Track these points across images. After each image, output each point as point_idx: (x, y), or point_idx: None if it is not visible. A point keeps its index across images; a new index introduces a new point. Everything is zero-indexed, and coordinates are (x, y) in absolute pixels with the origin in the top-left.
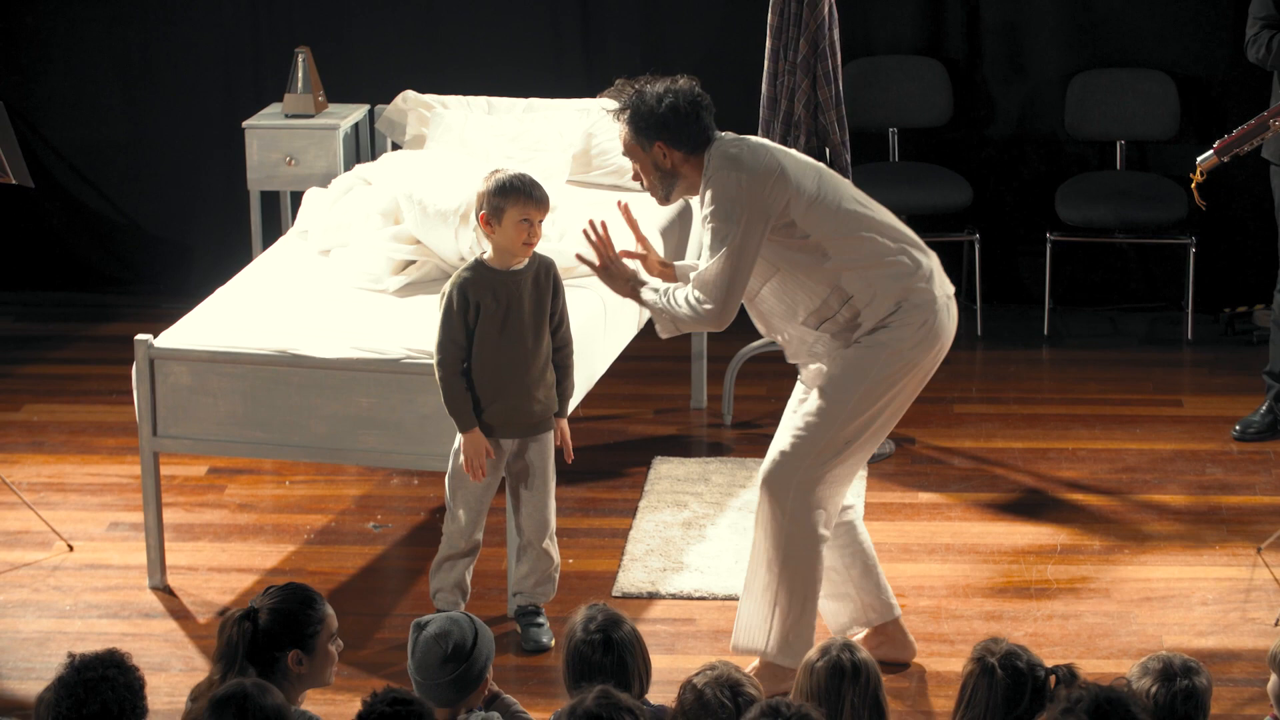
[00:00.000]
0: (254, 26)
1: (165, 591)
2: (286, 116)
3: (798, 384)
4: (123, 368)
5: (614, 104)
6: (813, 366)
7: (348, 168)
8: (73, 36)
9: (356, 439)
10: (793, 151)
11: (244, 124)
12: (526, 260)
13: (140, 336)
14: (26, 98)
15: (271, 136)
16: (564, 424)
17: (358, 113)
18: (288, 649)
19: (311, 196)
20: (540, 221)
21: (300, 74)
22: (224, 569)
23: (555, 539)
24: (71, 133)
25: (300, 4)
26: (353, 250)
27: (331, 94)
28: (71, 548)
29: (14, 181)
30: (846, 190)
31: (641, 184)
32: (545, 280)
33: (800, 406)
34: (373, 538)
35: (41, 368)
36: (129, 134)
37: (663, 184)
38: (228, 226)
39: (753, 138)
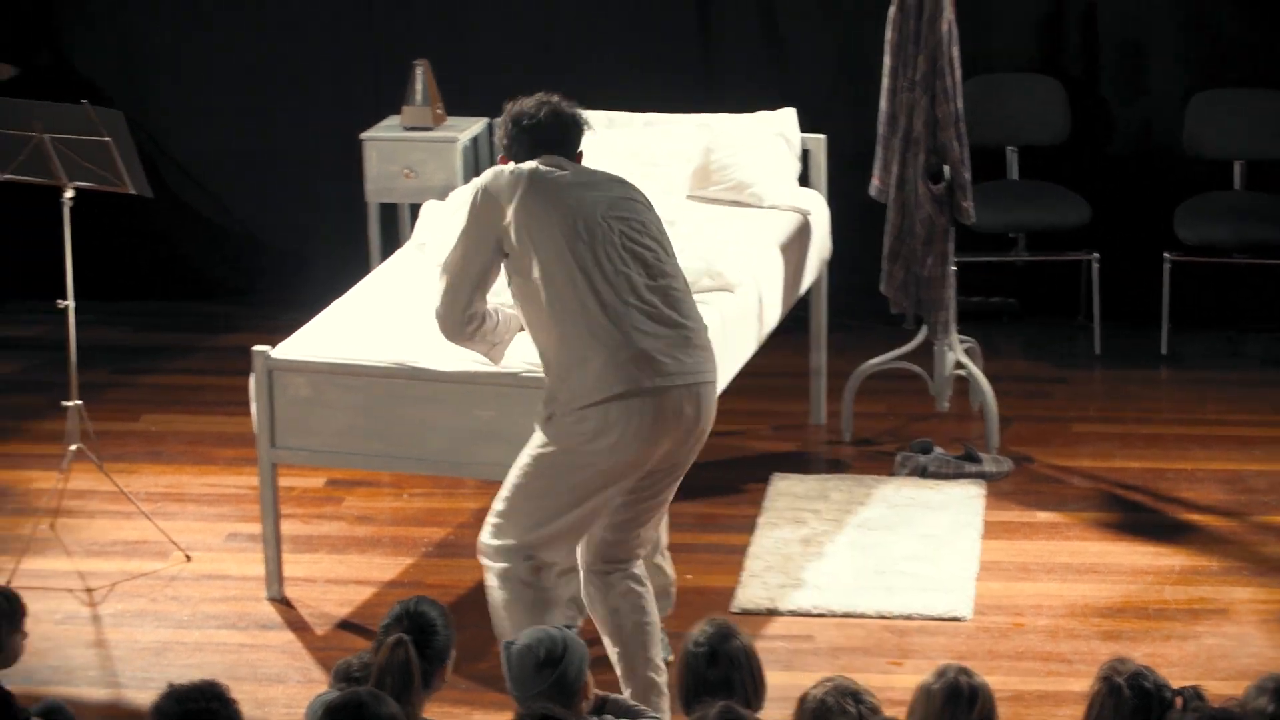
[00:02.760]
0: (372, 39)
1: (283, 603)
2: (405, 129)
3: None
4: (241, 379)
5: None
6: None
7: (466, 180)
8: (192, 47)
9: (475, 452)
10: (594, 211)
11: (362, 136)
12: None
13: (258, 348)
14: (146, 108)
15: (390, 149)
16: None
17: (476, 126)
18: (441, 663)
19: (429, 209)
20: None
21: (419, 86)
22: (342, 581)
23: (668, 555)
24: (190, 143)
25: (419, 17)
26: None
27: (450, 107)
28: (189, 558)
29: (133, 191)
30: (600, 272)
31: None
32: None
33: None
34: None
35: (160, 378)
36: (248, 145)
37: None
38: (345, 238)
39: (556, 173)
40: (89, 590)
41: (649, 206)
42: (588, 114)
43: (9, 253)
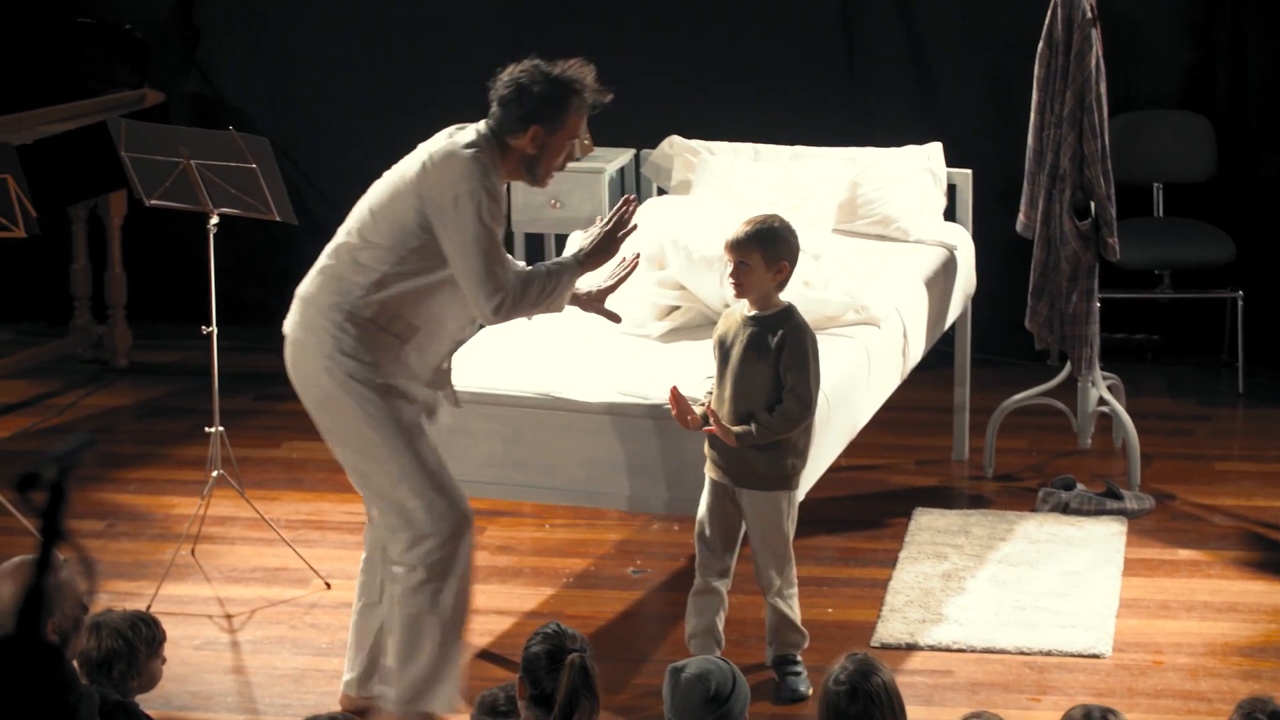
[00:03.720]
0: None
1: None
2: None
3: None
4: None
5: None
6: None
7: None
8: (337, 74)
9: (617, 483)
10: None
11: None
12: None
13: None
14: (291, 135)
15: None
16: None
17: (623, 157)
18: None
19: (576, 240)
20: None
21: None
22: (482, 610)
23: (787, 596)
24: (335, 170)
25: (567, 48)
26: (617, 294)
27: (598, 138)
28: (329, 585)
29: (278, 218)
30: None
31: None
32: None
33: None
34: (631, 582)
35: (302, 405)
36: None
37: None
38: None
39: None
40: (228, 616)
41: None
42: (736, 146)
43: (155, 278)
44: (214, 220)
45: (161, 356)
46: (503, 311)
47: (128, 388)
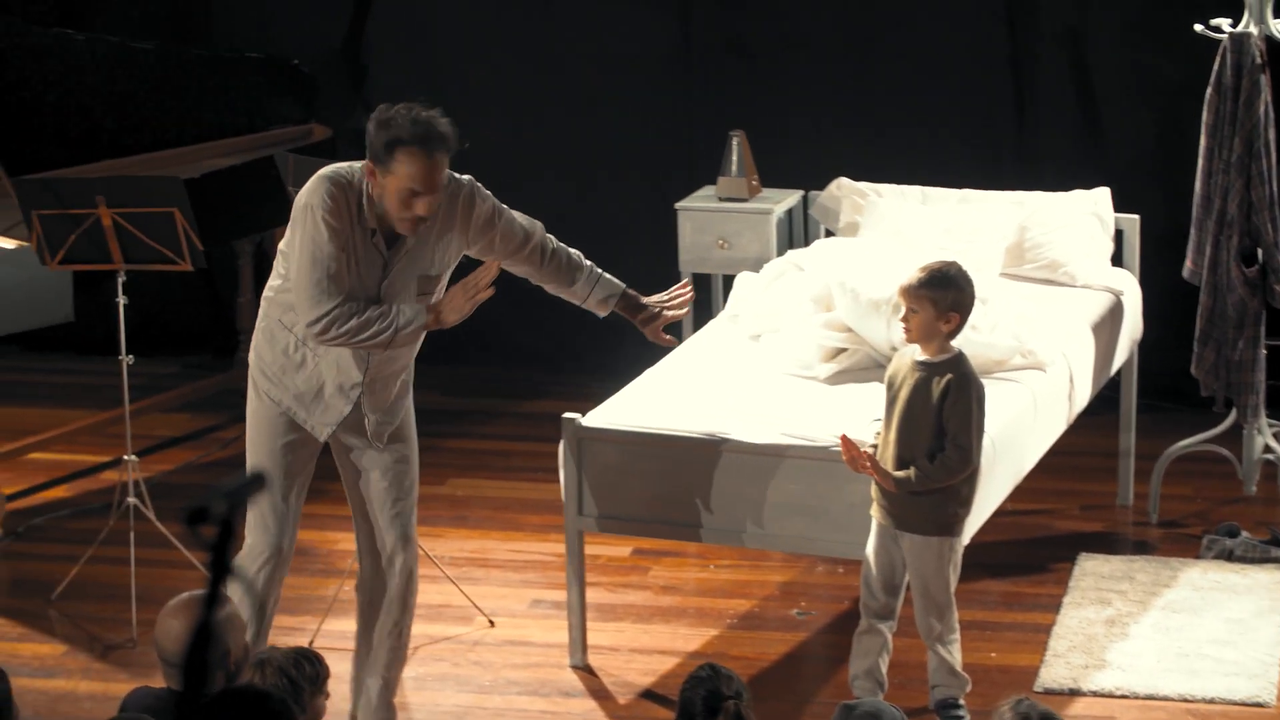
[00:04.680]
0: (689, 109)
1: (586, 671)
2: (720, 199)
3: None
4: (549, 445)
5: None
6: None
7: (780, 253)
8: (505, 113)
9: (781, 524)
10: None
11: (677, 205)
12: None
13: (568, 415)
14: (459, 169)
15: (704, 219)
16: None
17: (791, 198)
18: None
19: (743, 280)
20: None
21: (735, 157)
22: (646, 650)
23: (948, 642)
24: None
25: (736, 88)
26: (783, 336)
27: (765, 178)
28: (493, 623)
29: None
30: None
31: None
32: None
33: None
34: (795, 624)
35: (467, 442)
36: (561, 211)
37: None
38: None
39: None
40: None
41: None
42: (904, 189)
43: None
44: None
45: None
46: (320, 331)
47: None
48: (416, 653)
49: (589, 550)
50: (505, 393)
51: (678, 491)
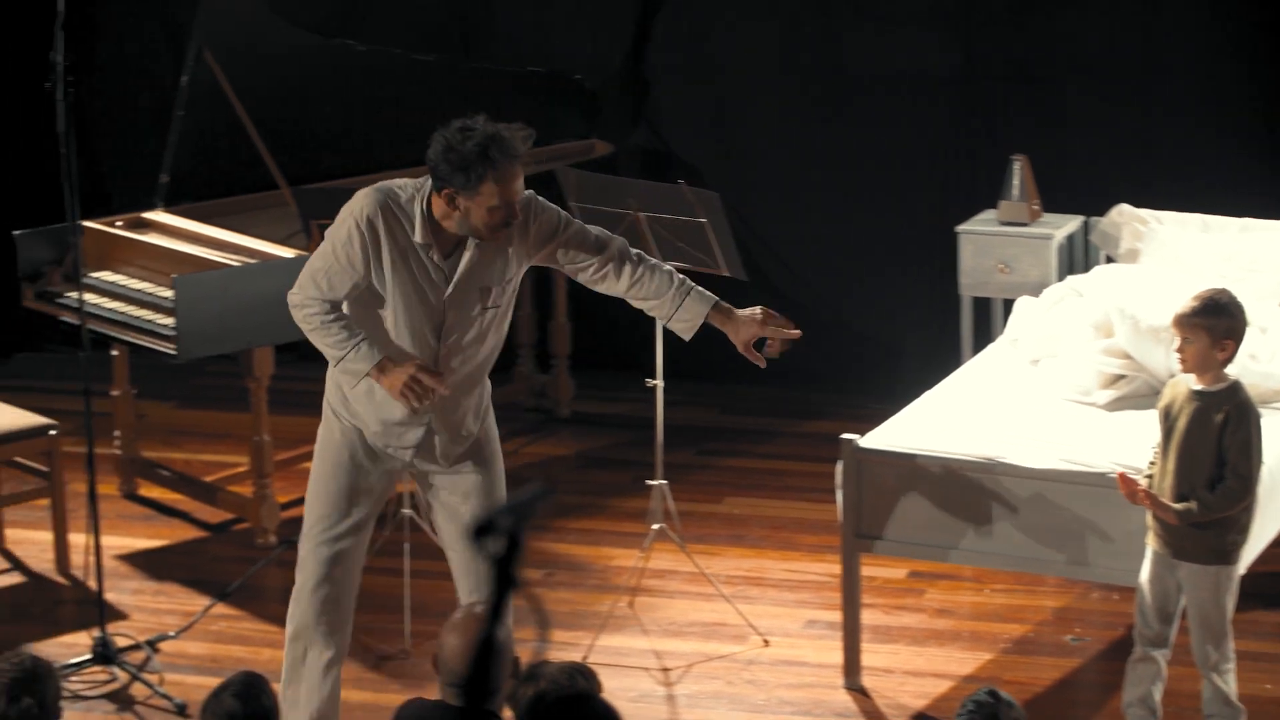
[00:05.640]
0: (971, 132)
1: (860, 692)
2: (1001, 223)
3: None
4: (826, 465)
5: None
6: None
7: (1060, 278)
8: (785, 131)
9: (1058, 550)
10: None
11: (958, 229)
12: None
13: (846, 435)
14: (740, 190)
15: (985, 243)
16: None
17: (1072, 224)
18: None
19: (1023, 305)
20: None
21: (1016, 182)
22: (919, 673)
23: (1224, 672)
24: (783, 228)
25: (1019, 113)
26: (1062, 361)
27: (1047, 203)
28: (767, 643)
29: (726, 274)
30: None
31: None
32: None
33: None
34: (1069, 650)
35: (744, 461)
36: (840, 232)
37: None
38: (937, 330)
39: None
40: (665, 670)
41: None
42: (1184, 216)
43: (597, 328)
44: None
45: (603, 407)
46: (294, 306)
47: (569, 437)
48: (691, 670)
49: (864, 571)
50: (784, 412)
51: (954, 514)
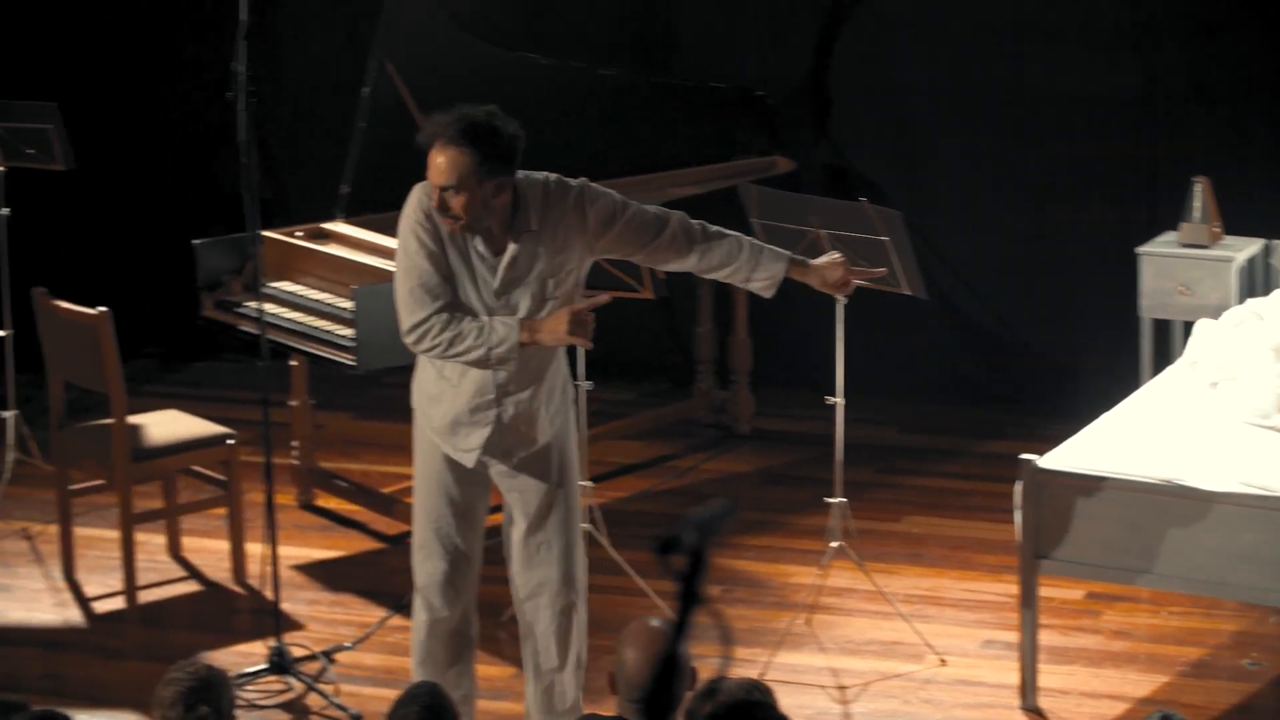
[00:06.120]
0: (1152, 153)
1: (1036, 713)
2: (1181, 245)
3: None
4: (1006, 485)
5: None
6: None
7: (1240, 301)
8: (965, 150)
9: (1236, 573)
10: None
11: (1138, 250)
12: None
13: (1026, 456)
14: (922, 209)
15: (1165, 264)
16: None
17: (1253, 246)
18: None
19: (1202, 327)
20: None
21: (1198, 204)
22: (1095, 695)
23: None
24: (963, 247)
25: (1199, 133)
26: (1241, 384)
27: (1228, 226)
28: (944, 662)
29: (908, 292)
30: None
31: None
32: None
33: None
34: (1247, 675)
35: (924, 480)
36: (1020, 252)
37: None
38: (1116, 351)
39: None
40: (841, 688)
41: None
42: None
43: (778, 344)
44: (842, 301)
45: (783, 424)
46: (415, 341)
47: (749, 454)
48: (867, 689)
49: (1042, 592)
50: (963, 431)
51: (1132, 536)
